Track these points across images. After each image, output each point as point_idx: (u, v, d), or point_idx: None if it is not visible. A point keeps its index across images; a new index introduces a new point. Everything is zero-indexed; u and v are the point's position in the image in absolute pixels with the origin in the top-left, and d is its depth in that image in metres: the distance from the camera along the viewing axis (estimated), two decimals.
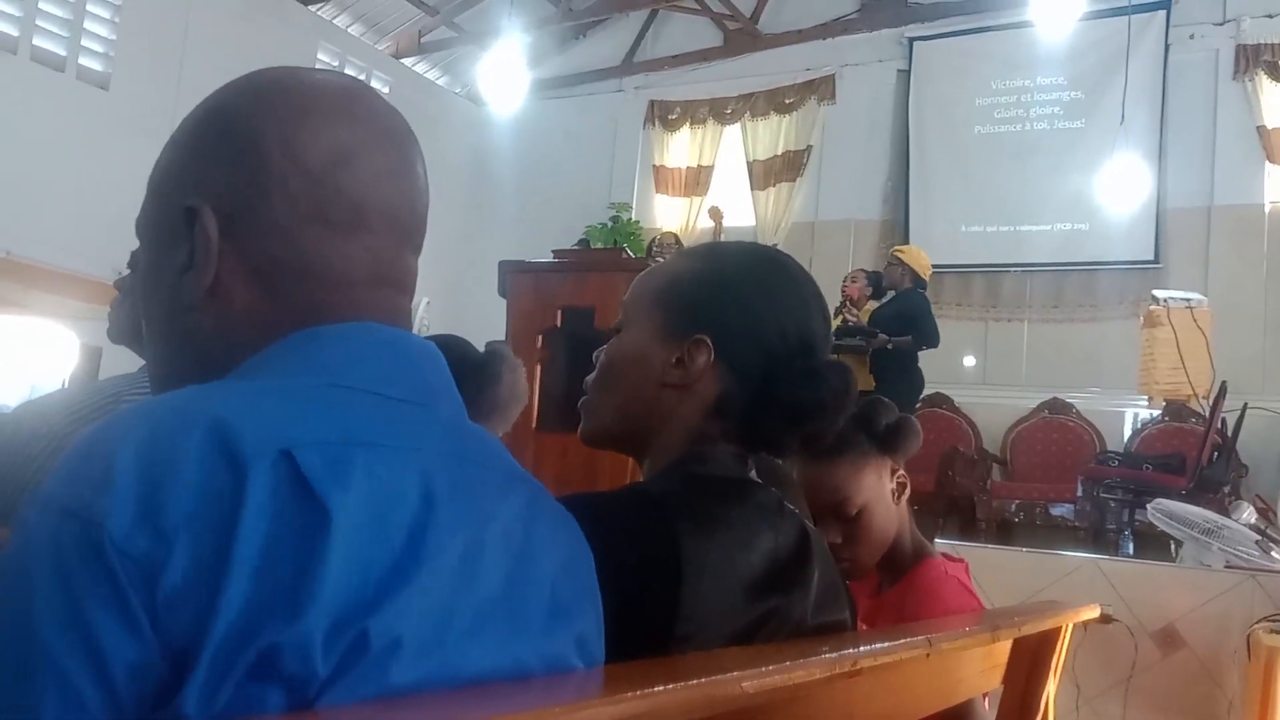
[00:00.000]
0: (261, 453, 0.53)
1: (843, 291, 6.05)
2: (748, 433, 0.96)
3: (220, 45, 7.90)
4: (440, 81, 10.19)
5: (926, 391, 6.37)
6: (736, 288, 0.97)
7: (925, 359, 5.81)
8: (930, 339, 5.64)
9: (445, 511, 0.59)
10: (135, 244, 1.42)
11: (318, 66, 8.95)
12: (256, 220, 0.66)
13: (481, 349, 1.99)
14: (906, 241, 7.67)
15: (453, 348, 1.84)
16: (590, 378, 1.02)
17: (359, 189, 0.67)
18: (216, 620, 0.49)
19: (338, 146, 0.67)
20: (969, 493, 6.39)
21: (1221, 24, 7.50)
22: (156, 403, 0.56)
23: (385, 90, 9.37)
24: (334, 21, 9.01)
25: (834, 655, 0.74)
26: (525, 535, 0.65)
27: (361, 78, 9.06)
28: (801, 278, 1.01)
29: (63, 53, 7.20)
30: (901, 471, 1.55)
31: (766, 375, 0.94)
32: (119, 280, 1.40)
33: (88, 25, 7.32)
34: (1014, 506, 6.52)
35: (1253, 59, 7.33)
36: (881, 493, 1.52)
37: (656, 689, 0.56)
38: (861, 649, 0.80)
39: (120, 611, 0.49)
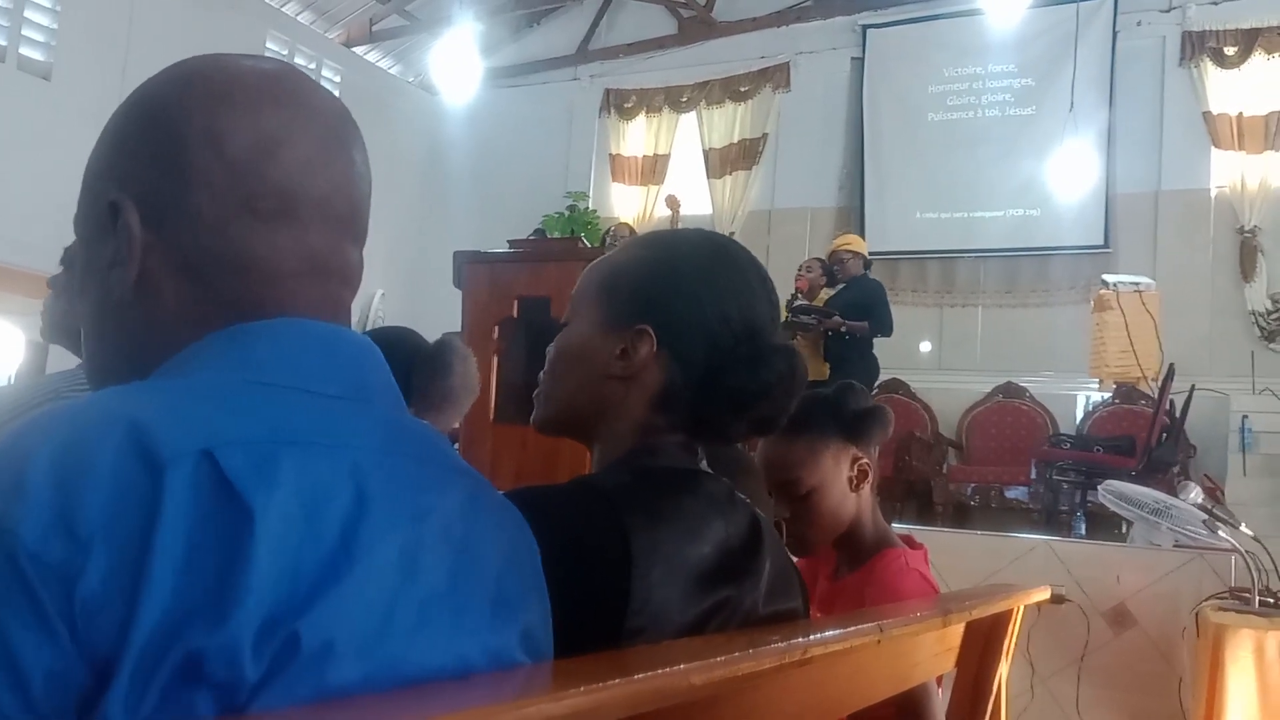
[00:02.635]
0: (181, 453, 0.51)
1: (795, 284, 6.02)
2: (695, 422, 0.95)
3: (166, 33, 7.74)
4: (393, 70, 10.08)
5: (883, 377, 6.42)
6: (678, 275, 0.96)
7: (881, 344, 5.85)
8: (885, 328, 5.66)
9: (379, 508, 0.57)
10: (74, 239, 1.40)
11: (266, 55, 8.81)
12: (181, 213, 0.65)
13: (434, 341, 1.97)
14: (863, 229, 7.74)
15: (402, 340, 1.82)
16: (544, 370, 1.01)
17: (286, 178, 0.66)
18: (137, 626, 0.48)
19: (262, 134, 0.65)
20: (926, 477, 6.47)
21: (1168, 11, 7.62)
22: (73, 405, 0.55)
23: (336, 79, 9.25)
24: (283, 9, 8.88)
25: (783, 645, 0.74)
26: (466, 530, 0.64)
27: (312, 67, 8.97)
28: (745, 262, 1.00)
29: (3, 42, 7.02)
30: (865, 459, 1.53)
31: (710, 363, 0.93)
32: (52, 278, 1.37)
33: (29, 14, 7.15)
34: (970, 490, 6.60)
35: (1198, 46, 7.45)
36: (837, 478, 1.51)
37: (602, 684, 0.56)
38: (811, 638, 0.80)
39: (36, 619, 0.47)
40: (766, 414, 0.95)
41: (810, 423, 1.48)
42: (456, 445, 4.48)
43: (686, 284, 0.95)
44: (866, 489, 1.55)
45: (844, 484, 1.52)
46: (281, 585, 0.51)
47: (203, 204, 0.64)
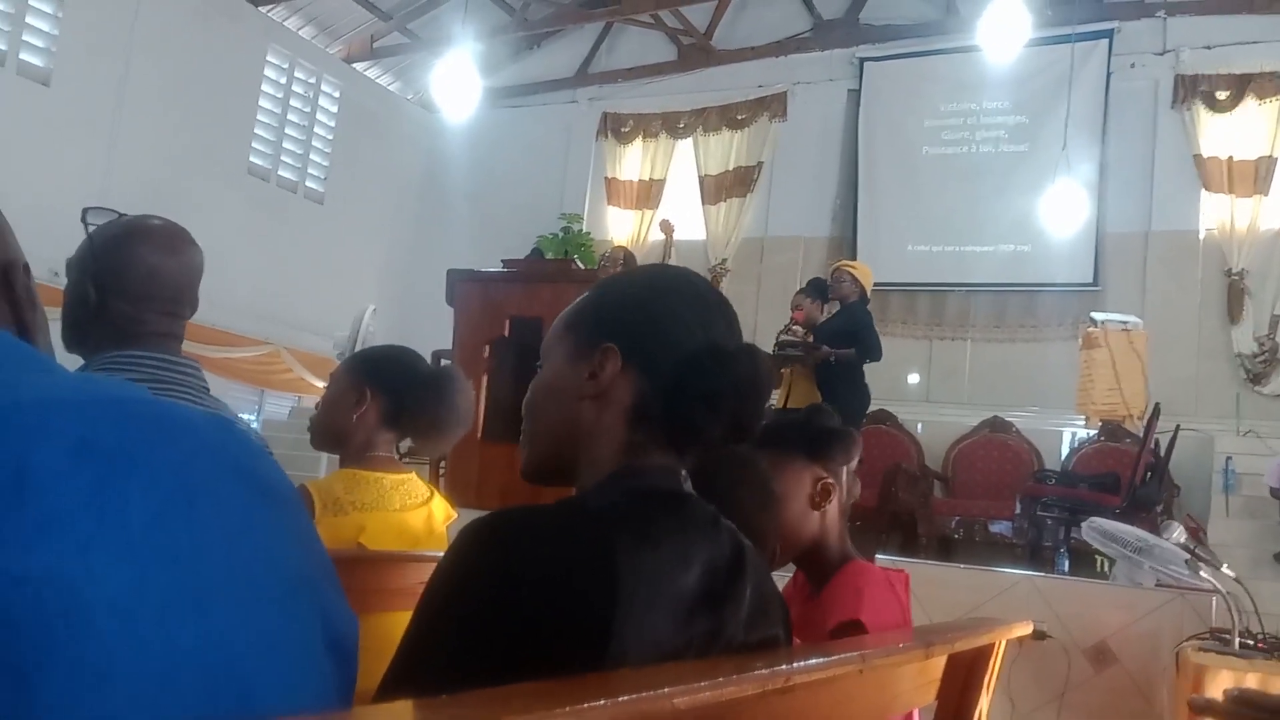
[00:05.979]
0: None
1: (792, 314, 5.98)
2: (672, 430, 0.96)
3: (168, 44, 7.77)
4: (392, 87, 10.12)
5: (871, 408, 6.42)
6: (635, 295, 1.00)
7: (870, 376, 5.84)
8: (873, 352, 5.63)
9: None
10: (74, 247, 1.41)
11: (267, 68, 8.81)
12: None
13: (428, 356, 1.96)
14: (855, 259, 7.75)
15: (399, 359, 1.82)
16: (524, 420, 1.05)
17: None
18: None
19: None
20: (911, 509, 6.46)
21: (1162, 54, 7.71)
22: None
23: (335, 94, 9.28)
24: (285, 24, 8.91)
25: (767, 672, 0.74)
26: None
27: (311, 81, 9.02)
28: (704, 286, 1.04)
29: (3, 47, 7.03)
30: (828, 478, 1.57)
31: (677, 370, 0.95)
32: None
33: (30, 20, 7.16)
34: (954, 523, 6.60)
35: (1191, 89, 7.54)
36: (798, 492, 1.54)
37: (586, 705, 0.56)
38: (795, 665, 0.80)
39: None
40: (740, 414, 0.96)
41: (775, 437, 1.53)
42: (444, 463, 4.47)
43: (644, 300, 1.00)
44: (831, 509, 1.58)
45: (804, 500, 1.55)
46: None
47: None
